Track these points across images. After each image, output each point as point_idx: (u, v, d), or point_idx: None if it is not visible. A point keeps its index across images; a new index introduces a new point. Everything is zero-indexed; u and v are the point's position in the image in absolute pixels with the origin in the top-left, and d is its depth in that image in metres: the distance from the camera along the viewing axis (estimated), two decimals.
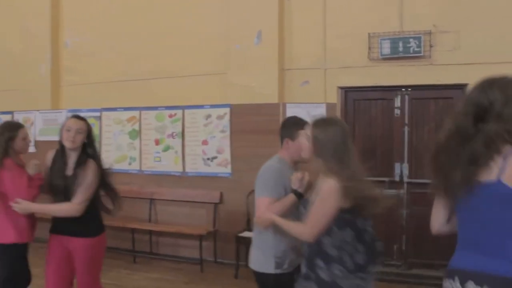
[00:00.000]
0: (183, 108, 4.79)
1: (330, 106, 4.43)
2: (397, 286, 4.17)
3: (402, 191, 4.43)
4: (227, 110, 4.60)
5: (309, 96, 4.50)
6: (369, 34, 4.25)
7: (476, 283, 1.28)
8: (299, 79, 4.53)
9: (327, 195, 1.75)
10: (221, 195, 4.62)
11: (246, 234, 4.15)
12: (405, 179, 4.43)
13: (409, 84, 4.33)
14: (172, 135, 4.83)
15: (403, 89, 4.41)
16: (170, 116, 4.85)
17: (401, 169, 4.45)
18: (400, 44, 4.16)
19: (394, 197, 4.39)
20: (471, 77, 4.15)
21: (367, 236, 1.82)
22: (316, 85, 4.49)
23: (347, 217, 1.78)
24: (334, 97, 4.47)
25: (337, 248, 1.76)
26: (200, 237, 4.43)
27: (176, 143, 4.81)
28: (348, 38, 4.36)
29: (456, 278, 1.35)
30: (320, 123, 1.92)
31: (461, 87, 4.23)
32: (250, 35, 4.50)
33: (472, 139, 1.31)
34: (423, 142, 4.40)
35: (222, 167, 4.62)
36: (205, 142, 4.69)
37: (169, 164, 4.83)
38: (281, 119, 4.41)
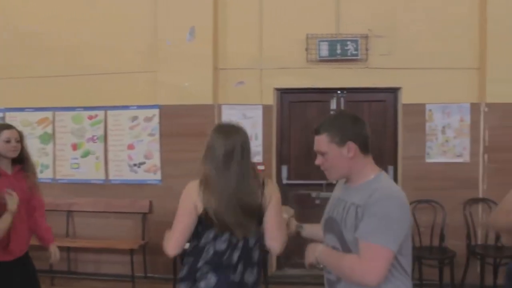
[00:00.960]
0: (105, 108, 4.65)
1: (266, 108, 4.60)
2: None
3: None
4: (156, 111, 4.56)
5: (244, 97, 4.63)
6: (307, 35, 4.48)
7: None
8: (233, 79, 4.64)
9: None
10: (151, 204, 4.58)
11: None
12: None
13: (345, 87, 4.64)
14: (92, 139, 4.68)
15: (338, 92, 4.72)
16: (90, 117, 4.69)
17: None
18: (338, 47, 4.46)
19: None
20: (404, 81, 4.63)
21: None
22: (251, 86, 4.63)
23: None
24: (270, 99, 4.64)
25: None
26: (131, 251, 4.34)
27: (97, 148, 4.67)
28: (285, 38, 4.58)
29: None
30: (218, 129, 2.12)
31: (393, 90, 4.67)
32: (182, 30, 4.50)
33: None
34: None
35: (150, 174, 4.58)
36: (131, 147, 4.62)
37: (89, 171, 4.67)
38: (216, 121, 4.49)
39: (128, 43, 4.66)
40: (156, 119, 4.57)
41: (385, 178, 1.73)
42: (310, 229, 2.11)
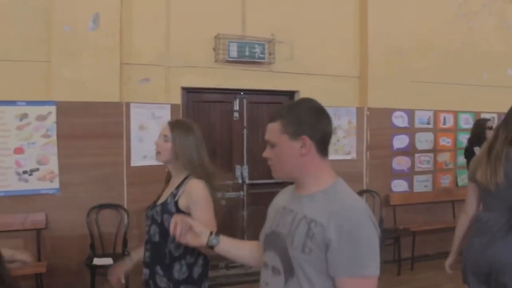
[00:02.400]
0: None
1: (174, 107, 4.94)
2: (245, 286, 5.07)
3: (243, 193, 5.41)
4: (52, 108, 4.45)
5: (149, 95, 4.88)
6: (217, 35, 5.00)
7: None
8: (137, 76, 4.85)
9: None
10: (47, 217, 4.41)
11: (98, 261, 4.20)
12: (246, 181, 5.42)
13: (250, 88, 5.32)
14: None
15: (241, 93, 5.38)
16: None
17: (242, 171, 5.41)
18: (247, 49, 5.11)
19: (236, 199, 5.33)
20: (300, 85, 5.55)
21: None
22: (157, 84, 4.91)
23: None
24: (177, 98, 5.00)
25: None
26: (39, 276, 4.16)
27: None
28: (193, 36, 5.03)
29: None
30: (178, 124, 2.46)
31: (291, 93, 5.56)
32: (84, 16, 4.49)
33: None
34: (258, 144, 5.49)
35: (46, 182, 4.44)
36: (19, 150, 4.38)
37: None
38: (124, 121, 4.64)
39: (12, 25, 4.39)
40: (52, 118, 4.45)
41: (343, 187, 1.63)
42: (232, 246, 1.94)
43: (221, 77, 5.19)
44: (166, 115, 4.95)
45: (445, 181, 6.19)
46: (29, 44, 4.47)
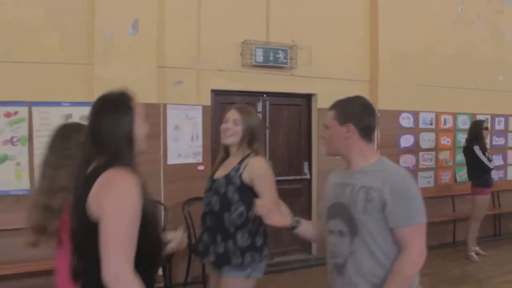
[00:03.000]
0: (29, 104, 4.43)
1: (205, 109, 5.22)
2: (265, 278, 5.38)
3: None
4: None
5: (181, 97, 5.14)
6: (245, 41, 5.31)
7: None
8: (171, 79, 5.10)
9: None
10: None
11: None
12: None
13: (272, 91, 5.66)
14: (11, 141, 4.40)
15: (264, 95, 5.70)
16: (7, 115, 4.39)
17: None
18: (271, 54, 5.44)
19: None
20: (317, 88, 5.95)
21: None
22: (188, 86, 5.17)
23: None
24: (207, 100, 5.28)
25: None
26: None
27: (18, 151, 4.41)
28: (221, 42, 5.32)
29: None
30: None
31: (308, 96, 5.93)
32: (124, 22, 4.72)
33: None
34: (279, 143, 5.84)
35: None
36: None
37: (7, 180, 4.39)
38: (161, 121, 4.89)
39: (55, 28, 4.56)
40: None
41: (387, 161, 2.07)
42: (305, 227, 2.30)
43: (246, 80, 5.50)
44: (198, 116, 5.22)
45: (445, 177, 6.71)
46: (71, 48, 4.67)
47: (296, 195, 6.01)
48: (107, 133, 1.79)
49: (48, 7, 4.58)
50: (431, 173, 6.59)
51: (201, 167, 5.25)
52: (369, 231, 1.95)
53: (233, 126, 2.68)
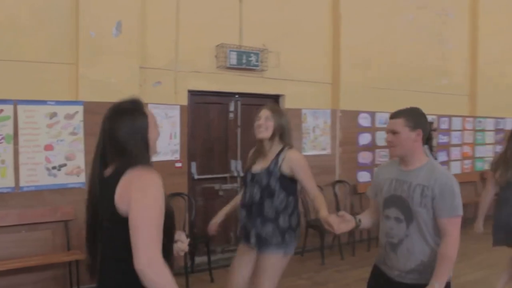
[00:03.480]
0: (14, 102, 4.51)
1: (182, 108, 5.48)
2: (219, 270, 5.68)
3: (236, 185, 6.07)
4: (79, 108, 4.79)
5: (161, 97, 5.37)
6: (220, 44, 5.63)
7: None
8: (151, 79, 5.31)
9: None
10: (74, 209, 4.74)
11: None
12: (240, 174, 6.09)
13: (243, 92, 6.00)
14: None
15: (236, 96, 6.04)
16: None
17: (236, 165, 6.07)
18: (244, 57, 5.77)
19: (231, 190, 5.98)
20: (285, 90, 6.40)
21: None
22: (168, 87, 5.41)
23: None
24: (184, 99, 5.54)
25: None
26: (70, 264, 4.48)
27: (3, 150, 4.47)
28: (198, 45, 5.58)
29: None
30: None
31: (277, 97, 6.33)
32: (107, 24, 4.89)
33: None
34: (250, 141, 6.19)
35: (73, 176, 4.77)
36: (49, 147, 4.66)
37: None
38: None
39: (41, 28, 4.66)
40: (79, 117, 4.78)
41: (434, 162, 2.54)
42: (364, 220, 2.77)
43: (221, 81, 5.81)
44: (176, 115, 5.47)
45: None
46: (57, 47, 4.77)
47: None
48: (125, 137, 1.93)
49: (33, 7, 4.65)
50: None
51: (178, 164, 5.51)
52: (423, 219, 2.45)
53: (265, 122, 3.09)
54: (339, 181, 6.67)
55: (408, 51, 7.48)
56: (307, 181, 3.05)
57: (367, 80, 6.90)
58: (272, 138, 3.10)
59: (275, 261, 3.04)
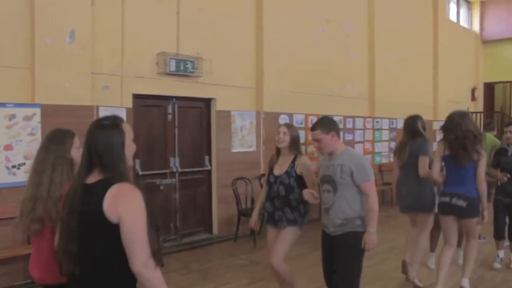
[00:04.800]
0: None
1: (128, 110, 6.13)
2: (177, 255, 6.51)
3: (175, 180, 6.84)
4: (37, 110, 5.25)
5: (109, 100, 5.98)
6: (162, 52, 6.36)
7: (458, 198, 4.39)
8: (101, 84, 5.90)
9: None
10: None
11: None
12: (178, 170, 6.86)
13: (180, 96, 6.78)
14: None
15: (174, 99, 6.81)
16: None
17: (174, 162, 6.84)
18: (182, 64, 6.56)
19: (170, 184, 6.73)
20: (216, 94, 7.42)
21: None
22: (115, 91, 6.03)
23: None
24: (129, 103, 6.19)
25: None
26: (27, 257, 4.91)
27: None
28: (142, 52, 6.26)
29: (448, 196, 4.44)
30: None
31: (209, 100, 7.20)
32: (61, 32, 5.42)
33: None
34: (185, 140, 6.99)
35: None
36: (8, 147, 5.07)
37: None
38: None
39: (2, 33, 5.08)
40: (36, 118, 5.24)
41: (351, 149, 3.77)
42: None
43: (161, 86, 6.53)
44: (123, 117, 6.07)
45: (312, 166, 8.58)
46: (15, 53, 5.21)
47: (200, 184, 7.24)
48: (103, 150, 2.20)
49: None
50: None
51: None
52: (345, 189, 3.54)
53: (283, 136, 4.16)
54: (264, 174, 7.69)
55: (319, 60, 8.77)
56: (311, 181, 4.09)
57: (286, 86, 8.03)
58: (289, 147, 4.17)
59: (294, 234, 4.12)
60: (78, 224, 2.18)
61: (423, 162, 4.88)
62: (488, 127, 7.32)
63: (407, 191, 5.07)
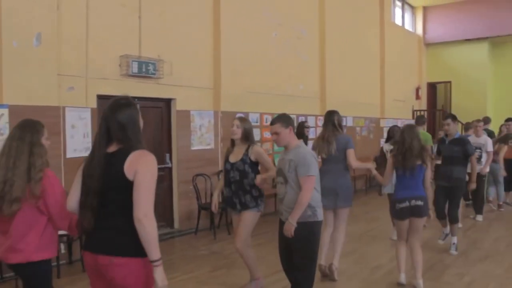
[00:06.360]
0: None
1: (93, 111, 6.47)
2: None
3: None
4: (5, 111, 5.53)
5: (75, 100, 6.31)
6: (125, 55, 6.74)
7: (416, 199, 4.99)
8: (67, 85, 6.21)
9: None
10: None
11: None
12: None
13: (142, 96, 7.17)
14: None
15: (136, 100, 7.17)
16: None
17: None
18: (143, 66, 6.97)
19: None
20: (176, 94, 7.93)
21: None
22: (80, 92, 6.36)
23: None
24: (94, 103, 6.53)
25: None
26: None
27: None
28: (105, 55, 6.62)
29: (406, 201, 4.99)
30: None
31: (169, 100, 7.63)
32: (28, 34, 5.71)
33: None
34: (146, 139, 7.36)
35: None
36: None
37: None
38: (61, 121, 6.01)
39: None
40: (5, 119, 5.51)
41: (302, 145, 4.17)
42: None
43: (124, 87, 6.87)
44: (88, 117, 6.43)
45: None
46: None
47: (161, 181, 7.62)
48: (125, 122, 2.66)
49: None
50: None
51: None
52: (293, 181, 4.02)
53: (236, 129, 4.69)
54: (221, 171, 8.20)
55: (273, 62, 9.38)
56: (267, 165, 4.72)
57: (242, 86, 8.57)
58: (241, 139, 4.74)
59: (253, 216, 4.69)
60: (99, 185, 2.61)
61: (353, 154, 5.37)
62: (419, 121, 8.26)
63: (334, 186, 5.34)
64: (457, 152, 6.34)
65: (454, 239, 6.48)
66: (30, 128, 3.24)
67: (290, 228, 3.91)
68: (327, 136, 5.39)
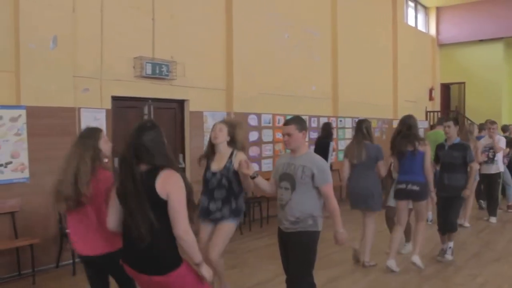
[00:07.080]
0: None
1: (107, 112, 6.58)
2: None
3: None
4: (22, 111, 5.65)
5: (90, 102, 6.42)
6: (137, 57, 6.84)
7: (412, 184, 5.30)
8: (83, 86, 6.32)
9: None
10: (20, 202, 5.59)
11: None
12: None
13: (155, 97, 7.27)
14: None
15: (150, 101, 7.29)
16: None
17: None
18: (157, 68, 7.06)
19: None
20: (189, 96, 8.07)
21: None
22: (95, 93, 6.48)
23: None
24: (108, 104, 6.64)
25: None
26: (18, 250, 5.37)
27: None
28: (119, 56, 6.72)
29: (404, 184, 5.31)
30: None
31: (183, 101, 7.72)
32: (45, 37, 5.84)
33: None
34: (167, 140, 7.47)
35: (18, 173, 5.61)
36: None
37: None
38: (76, 123, 6.12)
39: None
40: (22, 119, 5.63)
41: (313, 152, 4.08)
42: (261, 181, 4.13)
43: (138, 88, 7.00)
44: (103, 118, 6.54)
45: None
46: (1, 57, 5.59)
47: None
48: (150, 144, 2.88)
49: None
50: (270, 160, 9.04)
51: (105, 160, 6.54)
52: (303, 189, 3.83)
53: (218, 133, 4.36)
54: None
55: (285, 63, 9.44)
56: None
57: (254, 87, 8.65)
58: (225, 143, 4.41)
59: (232, 228, 4.43)
60: (137, 201, 2.82)
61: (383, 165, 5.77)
62: (440, 121, 8.25)
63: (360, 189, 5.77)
64: (457, 158, 6.04)
65: (451, 244, 6.19)
66: (84, 135, 3.58)
67: (342, 236, 3.87)
68: (357, 143, 5.86)
